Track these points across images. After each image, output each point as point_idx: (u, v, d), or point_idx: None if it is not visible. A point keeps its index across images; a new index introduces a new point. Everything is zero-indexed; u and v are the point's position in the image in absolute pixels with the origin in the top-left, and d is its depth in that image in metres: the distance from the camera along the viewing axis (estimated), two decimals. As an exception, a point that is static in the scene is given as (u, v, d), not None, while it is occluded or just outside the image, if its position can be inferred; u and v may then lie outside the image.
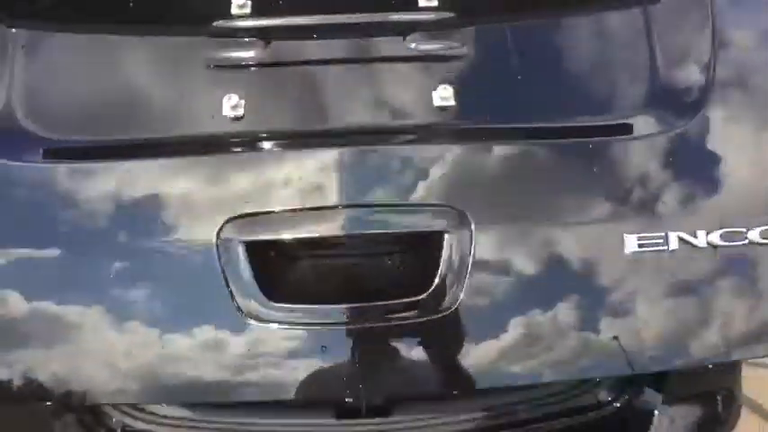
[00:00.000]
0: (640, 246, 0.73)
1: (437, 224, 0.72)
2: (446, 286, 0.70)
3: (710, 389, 1.29)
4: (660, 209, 0.76)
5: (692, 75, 0.88)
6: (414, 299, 0.70)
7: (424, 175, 0.75)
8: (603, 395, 1.25)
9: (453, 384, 0.71)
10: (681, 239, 0.74)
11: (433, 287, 0.70)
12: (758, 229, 0.76)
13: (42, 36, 0.87)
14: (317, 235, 0.70)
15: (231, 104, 0.79)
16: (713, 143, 0.83)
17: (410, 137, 0.82)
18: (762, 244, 0.76)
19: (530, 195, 0.77)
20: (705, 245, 0.75)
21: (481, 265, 0.70)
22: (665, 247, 0.73)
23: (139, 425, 1.23)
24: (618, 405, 1.23)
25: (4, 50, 0.85)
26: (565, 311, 0.73)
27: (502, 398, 1.28)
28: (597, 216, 0.77)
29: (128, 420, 1.23)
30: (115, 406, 1.24)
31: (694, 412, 1.25)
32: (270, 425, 1.24)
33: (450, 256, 0.70)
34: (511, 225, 0.73)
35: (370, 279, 0.73)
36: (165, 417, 1.25)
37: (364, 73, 0.86)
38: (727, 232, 0.75)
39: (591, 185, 0.79)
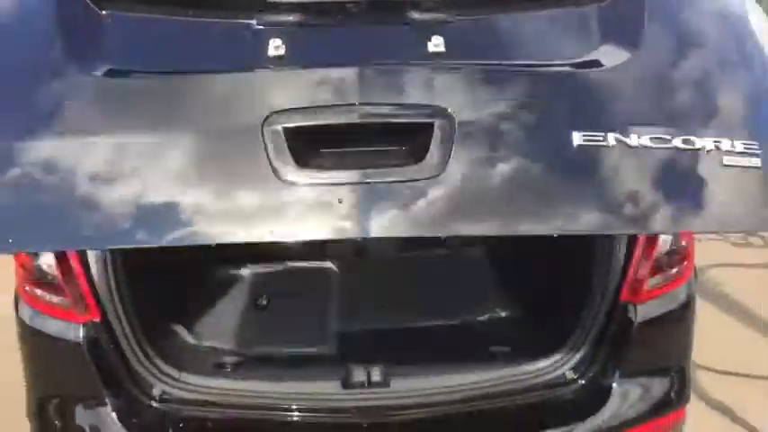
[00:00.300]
0: (585, 141, 0.94)
1: (427, 116, 0.95)
2: (436, 158, 0.93)
3: (664, 366, 1.50)
4: (602, 116, 0.99)
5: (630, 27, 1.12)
6: (411, 166, 0.93)
7: (420, 85, 1.00)
8: (570, 374, 1.46)
9: (438, 228, 0.92)
10: (617, 139, 0.95)
11: (426, 158, 0.93)
12: (681, 138, 0.96)
13: (128, 13, 1.15)
14: (341, 122, 0.95)
15: (275, 45, 1.06)
16: (646, 73, 1.07)
17: (410, 65, 1.05)
18: (682, 149, 0.95)
19: (500, 102, 1.00)
20: (637, 144, 0.95)
21: (461, 144, 0.93)
22: (606, 143, 0.94)
23: (176, 392, 1.44)
24: (582, 382, 1.45)
25: (98, 24, 1.11)
26: (523, 176, 0.94)
27: (483, 373, 1.49)
28: (553, 118, 1.00)
29: (167, 388, 1.44)
30: (154, 369, 1.44)
31: (649, 386, 1.47)
32: (289, 394, 1.45)
33: (438, 138, 0.93)
34: (485, 120, 0.97)
35: (377, 153, 0.97)
36: (197, 386, 1.46)
37: (374, 29, 1.13)
38: (655, 137, 0.95)
39: (549, 99, 1.03)
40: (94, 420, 1.39)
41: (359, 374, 1.47)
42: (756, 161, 0.93)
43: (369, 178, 0.90)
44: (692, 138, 0.93)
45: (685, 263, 1.49)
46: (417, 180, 0.89)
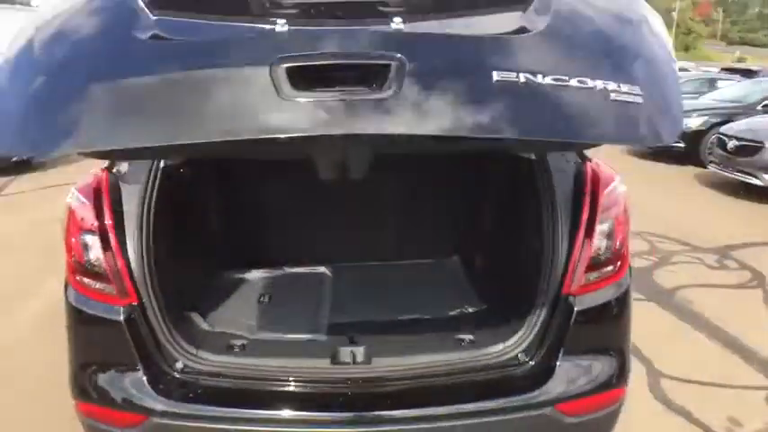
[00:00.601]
0: (500, 78, 1.22)
1: (386, 59, 1.26)
2: (392, 86, 1.21)
3: (602, 350, 1.77)
4: (517, 63, 1.30)
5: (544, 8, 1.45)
6: (377, 90, 1.22)
7: (382, 44, 1.33)
8: (524, 356, 1.74)
9: (392, 128, 1.23)
10: (527, 78, 1.25)
11: (384, 86, 1.22)
12: (576, 78, 1.25)
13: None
14: (324, 63, 1.28)
15: (281, 24, 1.38)
16: (556, 37, 1.40)
17: (376, 33, 1.39)
18: (576, 87, 1.24)
19: (438, 55, 1.34)
20: (542, 82, 1.24)
21: (412, 72, 1.23)
22: (517, 80, 1.23)
23: (194, 366, 1.73)
24: (532, 363, 1.73)
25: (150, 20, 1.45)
26: (454, 97, 1.26)
27: (450, 355, 1.78)
28: (479, 64, 1.32)
29: (187, 362, 1.73)
30: (179, 347, 1.74)
31: (588, 366, 1.74)
32: (287, 369, 1.74)
33: (393, 74, 1.21)
34: (428, 64, 1.30)
35: (353, 82, 1.25)
36: (211, 361, 1.76)
37: (353, 18, 1.47)
38: (556, 77, 1.24)
39: (477, 53, 1.36)
40: (130, 384, 1.67)
41: (345, 354, 1.76)
42: (638, 99, 1.27)
43: (344, 96, 1.23)
44: (586, 80, 1.26)
45: (619, 262, 1.78)
46: (378, 99, 1.22)
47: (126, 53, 1.36)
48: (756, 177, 6.55)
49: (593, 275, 1.73)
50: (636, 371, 3.10)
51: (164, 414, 1.64)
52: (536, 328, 1.73)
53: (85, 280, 1.73)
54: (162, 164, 1.86)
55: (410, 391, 1.67)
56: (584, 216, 1.72)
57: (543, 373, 1.70)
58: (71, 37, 1.45)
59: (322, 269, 2.59)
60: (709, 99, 9.83)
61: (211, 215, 2.61)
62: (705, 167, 7.82)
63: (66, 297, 1.78)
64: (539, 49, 1.34)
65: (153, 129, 1.26)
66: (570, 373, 1.71)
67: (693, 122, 8.72)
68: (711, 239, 5.25)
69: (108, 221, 1.70)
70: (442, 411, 1.61)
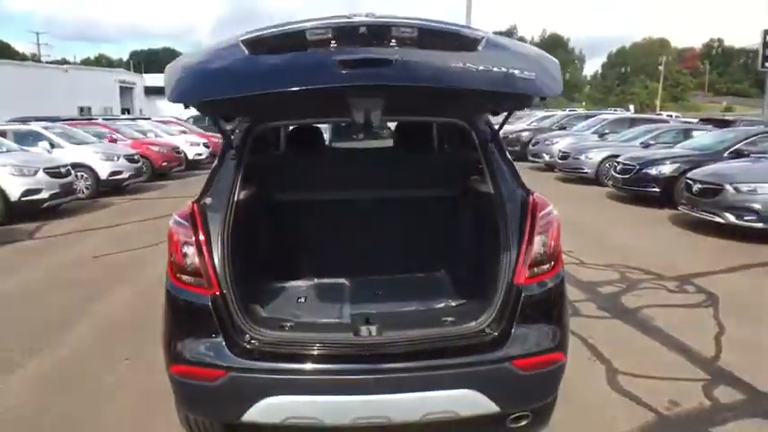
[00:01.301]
0: (452, 65, 2.05)
1: (389, 57, 1.99)
2: (394, 66, 1.96)
3: (544, 324, 2.47)
4: (462, 60, 2.05)
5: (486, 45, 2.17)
6: (383, 68, 1.96)
7: (386, 53, 2.03)
8: (489, 329, 2.45)
9: (393, 80, 2.00)
10: (467, 65, 2.04)
11: (391, 64, 1.96)
12: (495, 68, 2.07)
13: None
14: (356, 58, 1.97)
15: (332, 46, 2.08)
16: (488, 53, 2.12)
17: (382, 50, 2.06)
18: (497, 70, 2.07)
19: (421, 56, 2.09)
20: (478, 68, 2.05)
21: (402, 62, 1.98)
22: (463, 66, 2.03)
23: (259, 338, 2.43)
24: (495, 334, 2.44)
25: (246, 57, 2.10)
26: (429, 65, 2.09)
27: (436, 330, 2.49)
28: (440, 58, 2.10)
29: (252, 335, 2.43)
30: (247, 325, 2.45)
31: (534, 335, 2.43)
32: (321, 339, 2.45)
33: (393, 62, 1.96)
34: (413, 58, 2.05)
35: (371, 65, 1.97)
36: (269, 335, 2.46)
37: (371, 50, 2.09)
38: (485, 66, 2.06)
39: (441, 55, 2.11)
40: (214, 349, 2.33)
41: (363, 330, 2.46)
42: (532, 76, 2.06)
43: (366, 69, 1.95)
44: (503, 68, 2.05)
45: (553, 262, 2.48)
46: (384, 72, 1.97)
47: (240, 59, 2.14)
48: (719, 216, 7.28)
49: (535, 270, 2.44)
50: (596, 369, 3.78)
51: (238, 369, 2.31)
52: (497, 309, 2.43)
53: (183, 276, 2.43)
54: (236, 198, 2.61)
55: (410, 352, 2.35)
56: (527, 230, 2.46)
57: (502, 340, 2.38)
58: (210, 54, 2.22)
59: (342, 280, 3.38)
60: (681, 148, 10.71)
61: (266, 240, 3.42)
62: (678, 209, 8.61)
63: (167, 288, 2.48)
64: (477, 58, 2.13)
65: (260, 81, 2.07)
66: (521, 340, 2.38)
67: (667, 169, 9.57)
68: (675, 269, 5.87)
69: (201, 237, 2.43)
70: (431, 363, 2.30)
